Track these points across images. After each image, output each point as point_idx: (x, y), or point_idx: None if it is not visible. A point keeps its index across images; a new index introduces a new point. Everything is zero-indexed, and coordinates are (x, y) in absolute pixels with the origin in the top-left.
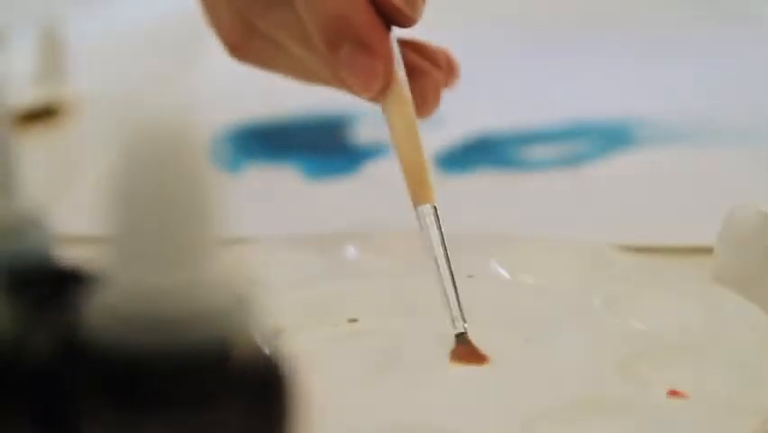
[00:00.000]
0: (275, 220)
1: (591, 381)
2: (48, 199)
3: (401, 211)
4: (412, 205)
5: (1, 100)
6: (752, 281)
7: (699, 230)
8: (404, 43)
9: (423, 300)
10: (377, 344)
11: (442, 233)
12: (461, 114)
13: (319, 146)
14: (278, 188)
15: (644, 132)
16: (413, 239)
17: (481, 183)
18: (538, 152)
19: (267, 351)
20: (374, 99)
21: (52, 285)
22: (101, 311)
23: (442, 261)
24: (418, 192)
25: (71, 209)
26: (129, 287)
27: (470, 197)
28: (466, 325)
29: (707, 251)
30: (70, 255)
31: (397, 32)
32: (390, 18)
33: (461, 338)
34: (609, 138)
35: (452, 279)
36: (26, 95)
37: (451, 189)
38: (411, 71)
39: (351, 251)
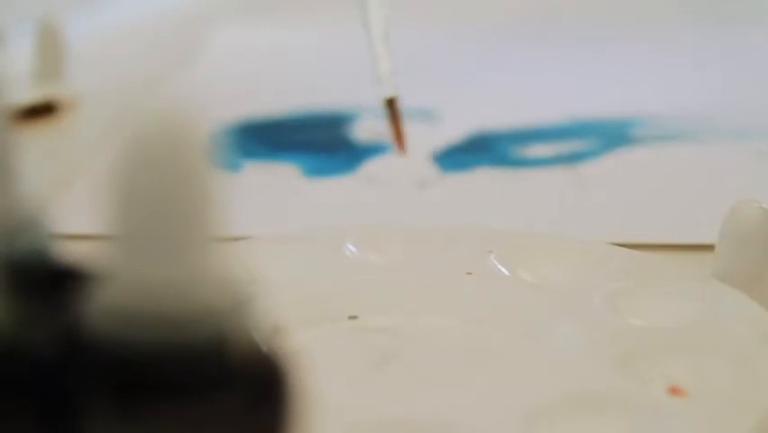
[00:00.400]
0: (274, 218)
1: (589, 378)
2: (47, 197)
3: (401, 209)
4: None
5: (0, 98)
6: (753, 279)
7: (700, 228)
8: None
9: (422, 296)
10: (376, 341)
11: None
12: (459, 112)
13: (318, 144)
14: (278, 185)
15: (643, 129)
16: (412, 235)
17: (480, 181)
18: (537, 150)
19: (265, 348)
20: None
21: (51, 283)
22: (100, 308)
23: (373, 14)
24: None
25: (70, 207)
26: (128, 284)
27: (469, 194)
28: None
29: (707, 248)
30: (70, 253)
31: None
32: None
33: (390, 104)
34: (608, 136)
35: (383, 38)
36: (25, 93)
37: (449, 187)
38: None
39: (350, 247)
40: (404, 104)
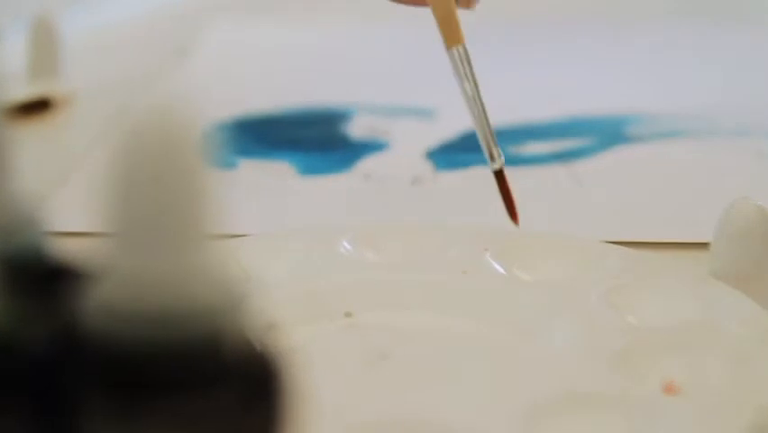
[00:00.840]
0: (269, 216)
1: (586, 376)
2: (42, 194)
3: (396, 207)
4: (445, 49)
5: None
6: (749, 277)
7: (696, 226)
8: None
9: (418, 294)
10: (372, 338)
11: (472, 70)
12: (455, 110)
13: (314, 142)
14: (273, 183)
15: (640, 127)
16: (408, 233)
17: (475, 179)
18: (533, 147)
19: (260, 345)
20: None
21: (48, 280)
22: (96, 306)
23: (474, 96)
24: (450, 36)
25: (66, 204)
26: (123, 281)
27: (466, 192)
28: (502, 159)
29: (703, 246)
30: (65, 250)
31: None
32: None
33: (498, 176)
34: (605, 134)
35: (485, 115)
36: (20, 89)
37: (446, 185)
38: None
39: (346, 245)
40: (400, 102)
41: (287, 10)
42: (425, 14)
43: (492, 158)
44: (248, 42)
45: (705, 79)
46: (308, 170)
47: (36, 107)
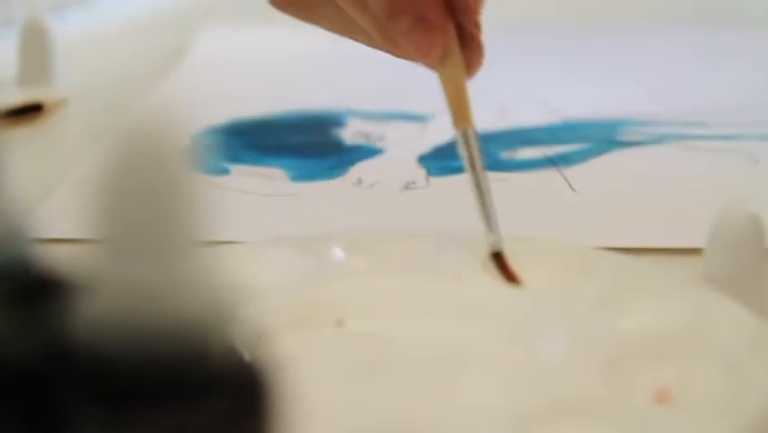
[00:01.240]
0: (262, 222)
1: (577, 383)
2: (32, 201)
3: (389, 212)
4: (453, 128)
5: None
6: (742, 282)
7: (689, 231)
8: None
9: (409, 302)
10: (364, 346)
11: (480, 153)
12: (448, 115)
13: (306, 148)
14: (266, 189)
15: (632, 132)
16: (399, 241)
17: (468, 184)
18: (526, 153)
19: (249, 354)
20: (428, 65)
21: (36, 291)
22: (85, 317)
23: (478, 178)
24: (460, 116)
25: (55, 210)
26: (111, 292)
27: (459, 198)
28: (501, 243)
29: (695, 252)
30: (54, 258)
31: None
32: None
33: (497, 258)
34: (598, 139)
35: (489, 197)
36: (11, 94)
37: (439, 191)
38: (461, 34)
39: (337, 252)
40: (393, 107)
41: (280, 15)
42: None
43: (491, 241)
44: (241, 48)
45: (697, 84)
46: (301, 175)
47: (27, 112)
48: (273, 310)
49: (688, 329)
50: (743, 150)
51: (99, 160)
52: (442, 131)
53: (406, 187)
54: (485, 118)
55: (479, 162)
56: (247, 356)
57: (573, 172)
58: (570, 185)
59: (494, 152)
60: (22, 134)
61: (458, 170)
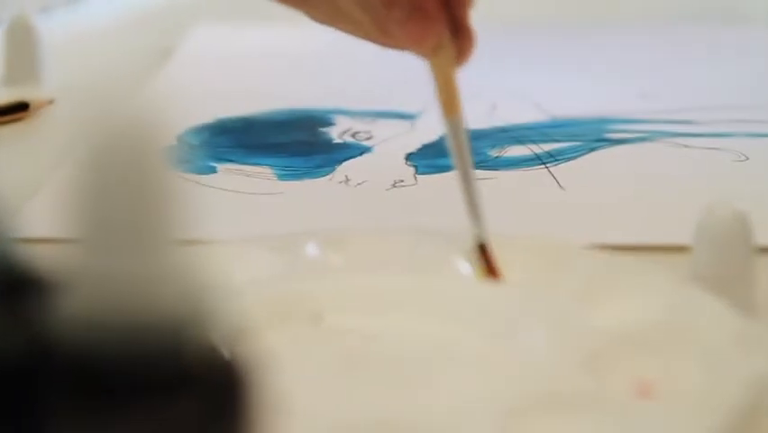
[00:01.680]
0: (249, 220)
1: (559, 378)
2: (17, 200)
3: (377, 210)
4: (442, 118)
5: None
6: (729, 280)
7: (676, 229)
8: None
9: (389, 299)
10: (343, 342)
11: (467, 143)
12: (437, 113)
13: (295, 146)
14: (253, 187)
15: (620, 130)
16: (379, 238)
17: (456, 182)
18: (514, 150)
19: (227, 351)
20: (420, 55)
21: (18, 290)
22: (64, 315)
23: (465, 169)
24: (448, 105)
25: (40, 210)
26: (91, 291)
27: (446, 196)
28: (487, 234)
29: (680, 249)
30: (37, 257)
31: None
32: None
33: (482, 250)
34: (586, 137)
35: (475, 188)
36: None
37: (425, 188)
38: (453, 24)
39: (316, 250)
40: (381, 106)
41: (269, 14)
42: None
43: (477, 232)
44: (229, 46)
45: (686, 82)
46: (288, 174)
47: (14, 111)
48: (252, 307)
49: (669, 325)
50: (731, 148)
51: (80, 159)
52: (429, 129)
53: (394, 185)
54: (474, 116)
55: (466, 153)
56: (225, 353)
57: (562, 170)
58: (558, 182)
59: (483, 149)
60: (8, 134)
61: (446, 168)
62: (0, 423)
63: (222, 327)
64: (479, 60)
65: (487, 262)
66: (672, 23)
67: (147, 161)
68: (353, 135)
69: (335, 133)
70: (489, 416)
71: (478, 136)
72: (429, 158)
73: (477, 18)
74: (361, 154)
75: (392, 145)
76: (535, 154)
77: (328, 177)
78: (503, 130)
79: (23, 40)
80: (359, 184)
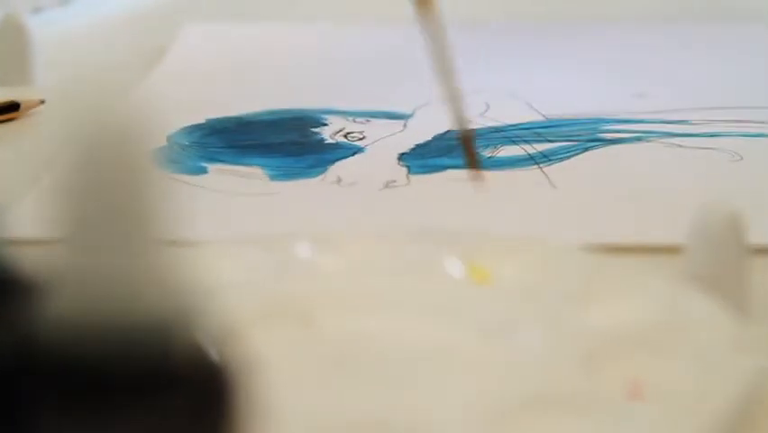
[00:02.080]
0: (240, 221)
1: (552, 378)
2: (7, 201)
3: (369, 211)
4: (416, 16)
5: None
6: (723, 280)
7: (671, 229)
8: None
9: (380, 299)
10: (334, 343)
11: (444, 34)
12: (430, 114)
13: (287, 146)
14: (244, 188)
15: (614, 130)
16: (371, 238)
17: (449, 183)
18: (508, 151)
19: (214, 353)
20: None
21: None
22: (50, 317)
23: (442, 59)
24: (422, 5)
25: (31, 210)
26: (77, 292)
27: (439, 196)
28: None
29: (674, 249)
30: (25, 258)
31: None
32: None
33: (465, 141)
34: (580, 137)
35: (453, 79)
36: None
37: (418, 189)
38: None
39: (307, 251)
40: (373, 106)
41: (261, 14)
42: (401, 19)
43: (459, 124)
44: (221, 46)
45: (680, 81)
46: (280, 174)
47: (4, 111)
48: (242, 308)
49: (664, 325)
50: (726, 147)
51: (69, 159)
52: (422, 130)
53: (387, 185)
54: (469, 116)
55: (443, 44)
56: (213, 354)
57: (555, 170)
58: (551, 183)
59: (477, 150)
60: None
61: (439, 168)
62: None
63: (210, 327)
64: (472, 60)
65: (470, 155)
66: (666, 23)
67: (135, 161)
68: (346, 135)
69: (328, 134)
70: (481, 416)
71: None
72: (422, 158)
73: (470, 17)
74: (353, 154)
75: (385, 145)
76: (529, 154)
77: (320, 177)
78: (496, 130)
79: (15, 40)
80: (351, 184)
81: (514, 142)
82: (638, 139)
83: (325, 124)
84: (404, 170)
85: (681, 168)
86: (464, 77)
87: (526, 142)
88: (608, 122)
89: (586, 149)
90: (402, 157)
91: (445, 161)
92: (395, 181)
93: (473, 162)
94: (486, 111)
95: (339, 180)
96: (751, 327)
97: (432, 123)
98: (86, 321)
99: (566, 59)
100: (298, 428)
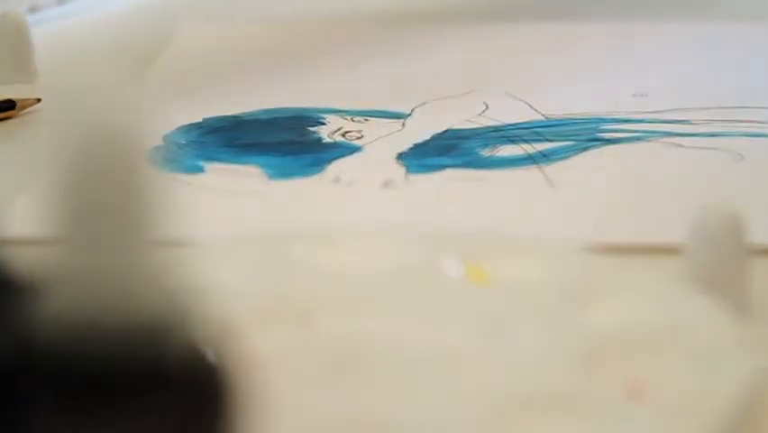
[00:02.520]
0: (237, 221)
1: (550, 379)
2: (2, 201)
3: (367, 211)
4: None
5: None
6: (722, 280)
7: (671, 229)
8: None
9: (378, 299)
10: (333, 343)
11: None
12: (429, 112)
13: (285, 145)
14: (242, 187)
15: (614, 129)
16: (369, 238)
17: (448, 182)
18: (506, 150)
19: (211, 353)
20: None
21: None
22: (45, 314)
23: None
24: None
25: (26, 211)
26: (71, 290)
27: (437, 196)
28: None
29: (674, 250)
30: (23, 258)
31: None
32: None
33: None
34: (579, 137)
35: None
36: None
37: (416, 188)
38: None
39: (305, 251)
40: (371, 105)
41: (258, 13)
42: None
43: None
44: (218, 45)
45: (681, 81)
46: (278, 173)
47: (0, 109)
48: (239, 307)
49: (663, 325)
50: (727, 147)
51: (65, 158)
52: (421, 129)
53: (385, 185)
54: (466, 116)
55: None
56: (209, 354)
57: (554, 170)
58: (550, 182)
59: (474, 149)
60: None
61: (437, 167)
62: None
63: (206, 327)
64: (471, 59)
65: None
66: (666, 21)
67: (132, 160)
68: (344, 135)
69: (326, 133)
70: (482, 416)
71: (469, 135)
72: (420, 157)
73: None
74: (351, 154)
75: (383, 145)
76: (528, 154)
77: (318, 176)
78: (495, 129)
79: (12, 37)
80: (349, 184)
81: (513, 142)
82: (638, 139)
83: (323, 123)
84: (402, 169)
85: (681, 168)
86: (465, 76)
87: (526, 141)
88: (607, 121)
89: (585, 148)
90: (400, 156)
91: (444, 160)
92: (393, 181)
93: None
94: (485, 110)
95: (337, 180)
96: (751, 327)
97: (430, 122)
98: (82, 321)
99: (566, 59)
100: (297, 429)
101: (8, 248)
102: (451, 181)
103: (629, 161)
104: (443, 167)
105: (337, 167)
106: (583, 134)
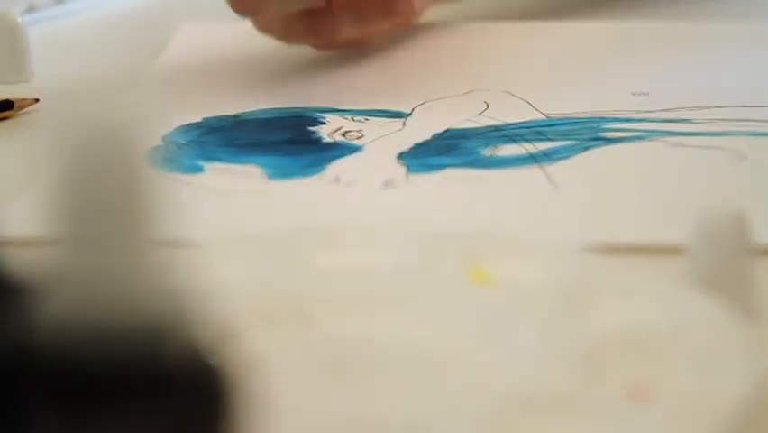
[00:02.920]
0: (236, 221)
1: (550, 379)
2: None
3: (368, 210)
4: None
5: None
6: (725, 281)
7: (673, 229)
8: None
9: (378, 299)
10: (333, 344)
11: None
12: (430, 112)
13: (284, 145)
14: (241, 187)
15: (615, 129)
16: (369, 238)
17: (449, 182)
18: (508, 150)
19: (210, 354)
20: None
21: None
22: (44, 316)
23: None
24: None
25: (24, 211)
26: (70, 291)
27: (438, 195)
28: None
29: (676, 250)
30: (22, 258)
31: None
32: None
33: None
34: (581, 136)
35: None
36: None
37: (417, 188)
38: None
39: (305, 251)
40: (372, 105)
41: None
42: None
43: None
44: (217, 45)
45: (683, 80)
46: (278, 173)
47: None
48: (239, 308)
49: (666, 326)
50: (729, 147)
51: (63, 158)
52: (421, 128)
53: (386, 185)
54: (467, 115)
55: None
56: (209, 356)
57: (556, 169)
58: (552, 182)
59: (475, 148)
60: None
61: (438, 167)
62: None
63: (206, 328)
64: (471, 58)
65: None
66: (667, 20)
67: (130, 160)
68: (344, 134)
69: (325, 132)
70: (480, 417)
71: (470, 135)
72: (421, 157)
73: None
74: (351, 153)
75: (383, 144)
76: (529, 153)
77: (318, 176)
78: (496, 129)
79: (9, 38)
80: (349, 184)
81: (514, 141)
82: (640, 138)
83: (323, 123)
84: (403, 169)
85: (683, 167)
86: (465, 76)
87: (527, 140)
88: (609, 120)
89: (587, 148)
90: (401, 156)
91: (445, 160)
92: (394, 181)
93: None
94: (486, 110)
95: (337, 179)
96: (754, 328)
97: (431, 121)
98: (81, 322)
99: (567, 58)
100: (297, 429)
101: (7, 248)
102: (452, 181)
103: (631, 160)
104: (444, 166)
105: (337, 167)
106: (585, 134)
